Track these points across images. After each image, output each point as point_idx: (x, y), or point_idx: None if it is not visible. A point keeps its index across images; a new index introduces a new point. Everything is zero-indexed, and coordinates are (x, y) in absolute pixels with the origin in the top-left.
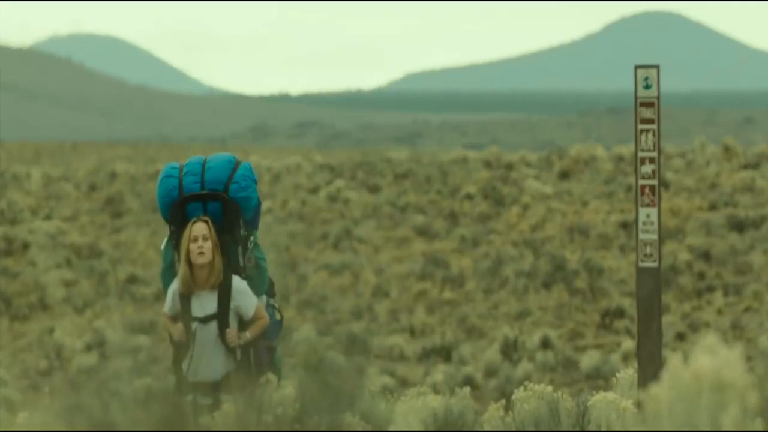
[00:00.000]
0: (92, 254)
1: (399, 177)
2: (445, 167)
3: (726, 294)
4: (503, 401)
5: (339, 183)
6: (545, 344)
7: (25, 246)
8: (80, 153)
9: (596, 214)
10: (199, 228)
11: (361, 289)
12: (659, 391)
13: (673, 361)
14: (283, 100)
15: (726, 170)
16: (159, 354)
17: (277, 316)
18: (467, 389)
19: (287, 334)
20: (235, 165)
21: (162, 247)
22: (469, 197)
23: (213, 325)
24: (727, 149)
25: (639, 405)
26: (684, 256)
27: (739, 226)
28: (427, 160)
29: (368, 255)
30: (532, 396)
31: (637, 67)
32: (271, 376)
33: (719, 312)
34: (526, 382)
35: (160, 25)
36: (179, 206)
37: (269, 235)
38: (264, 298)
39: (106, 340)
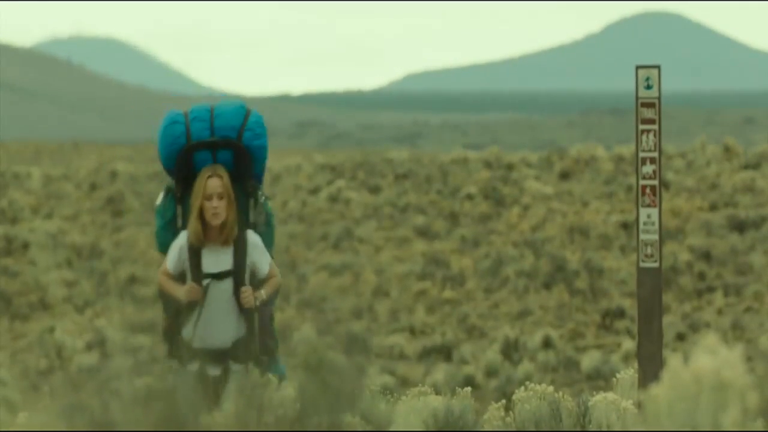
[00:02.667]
0: (93, 254)
1: (399, 177)
2: (446, 167)
3: (726, 294)
4: (504, 401)
5: (339, 183)
6: (546, 344)
7: (26, 246)
8: (81, 153)
9: (597, 214)
10: (214, 185)
11: (361, 289)
12: (659, 391)
13: (673, 361)
14: (283, 100)
15: (726, 170)
16: (159, 354)
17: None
18: (468, 389)
19: (288, 334)
20: (246, 112)
21: (158, 202)
22: (470, 197)
23: (227, 283)
24: (727, 149)
25: (639, 405)
26: (684, 256)
27: (739, 226)
28: (428, 160)
29: (368, 255)
30: (533, 396)
31: (638, 68)
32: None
33: (719, 312)
34: (526, 383)
35: (160, 26)
36: (186, 155)
37: None
38: None
39: (107, 340)
